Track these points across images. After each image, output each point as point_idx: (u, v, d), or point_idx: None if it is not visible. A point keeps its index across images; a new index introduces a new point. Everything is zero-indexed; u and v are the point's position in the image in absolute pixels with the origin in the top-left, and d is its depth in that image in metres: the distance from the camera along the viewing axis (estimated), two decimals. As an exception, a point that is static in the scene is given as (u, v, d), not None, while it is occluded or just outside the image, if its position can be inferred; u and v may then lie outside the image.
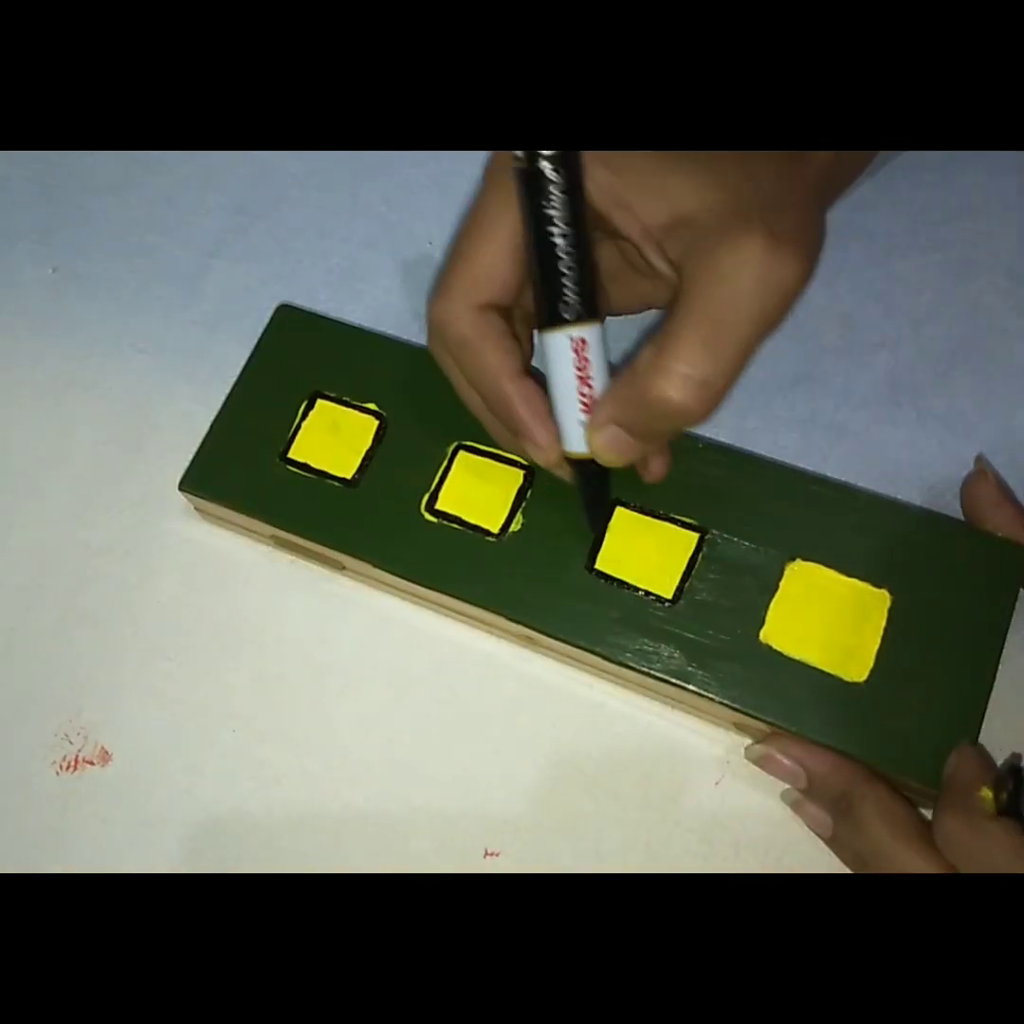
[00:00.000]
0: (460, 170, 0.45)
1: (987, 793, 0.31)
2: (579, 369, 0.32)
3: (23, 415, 0.42)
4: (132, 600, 0.39)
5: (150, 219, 0.45)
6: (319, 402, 0.39)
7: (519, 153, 0.30)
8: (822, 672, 0.34)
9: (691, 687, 0.34)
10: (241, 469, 0.38)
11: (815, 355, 0.41)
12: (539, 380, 0.33)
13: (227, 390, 0.39)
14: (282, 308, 0.41)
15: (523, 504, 0.37)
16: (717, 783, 0.36)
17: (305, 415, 0.39)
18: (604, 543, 0.36)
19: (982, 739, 0.33)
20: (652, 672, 0.35)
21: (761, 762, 0.35)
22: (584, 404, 0.32)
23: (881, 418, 0.40)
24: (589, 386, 0.32)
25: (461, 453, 0.38)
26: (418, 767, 0.37)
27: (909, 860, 0.31)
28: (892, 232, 0.42)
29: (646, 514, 0.36)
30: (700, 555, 0.36)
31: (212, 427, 0.39)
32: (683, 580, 0.35)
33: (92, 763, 0.37)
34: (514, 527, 0.37)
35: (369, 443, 0.38)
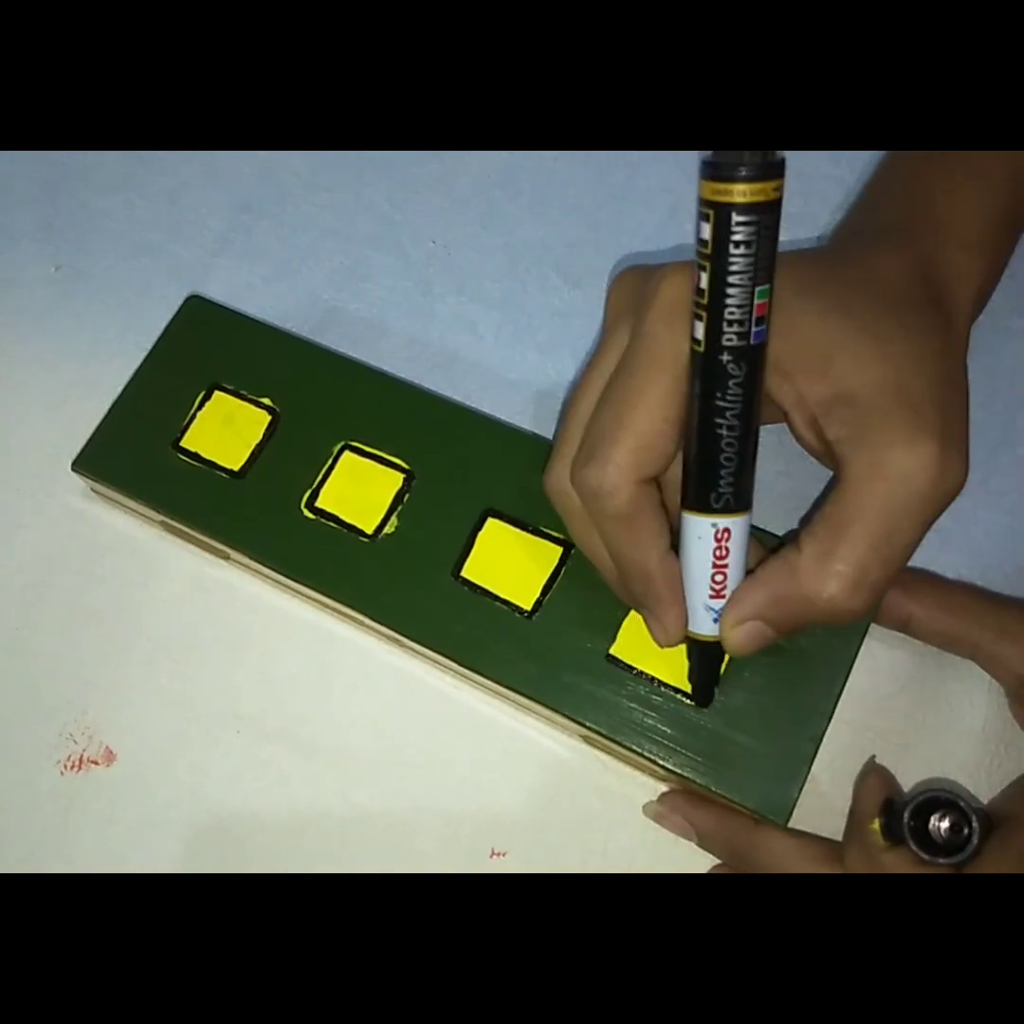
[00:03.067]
0: (464, 169, 0.45)
1: (876, 825, 0.31)
2: (717, 557, 0.31)
3: (27, 414, 0.42)
4: (137, 600, 0.39)
5: (153, 218, 0.45)
6: (216, 393, 0.39)
7: (698, 336, 0.29)
8: (667, 687, 0.34)
9: (544, 700, 0.34)
10: (133, 454, 0.39)
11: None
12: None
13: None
14: (192, 299, 0.41)
15: (399, 507, 0.37)
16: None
17: (201, 405, 0.39)
18: (472, 552, 0.36)
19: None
20: (507, 683, 0.35)
21: (657, 819, 0.35)
22: (714, 590, 0.31)
23: (886, 417, 0.40)
24: (724, 575, 0.31)
25: (346, 453, 0.38)
26: (424, 766, 0.37)
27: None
28: (896, 232, 0.42)
29: (516, 526, 0.36)
30: (563, 569, 0.36)
31: (110, 410, 0.39)
32: (543, 593, 0.35)
33: (97, 763, 0.37)
34: (388, 529, 0.37)
35: (260, 437, 0.38)
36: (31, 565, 0.40)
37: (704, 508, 0.30)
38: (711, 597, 0.31)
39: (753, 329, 0.28)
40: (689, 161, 0.43)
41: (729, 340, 0.28)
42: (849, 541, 0.29)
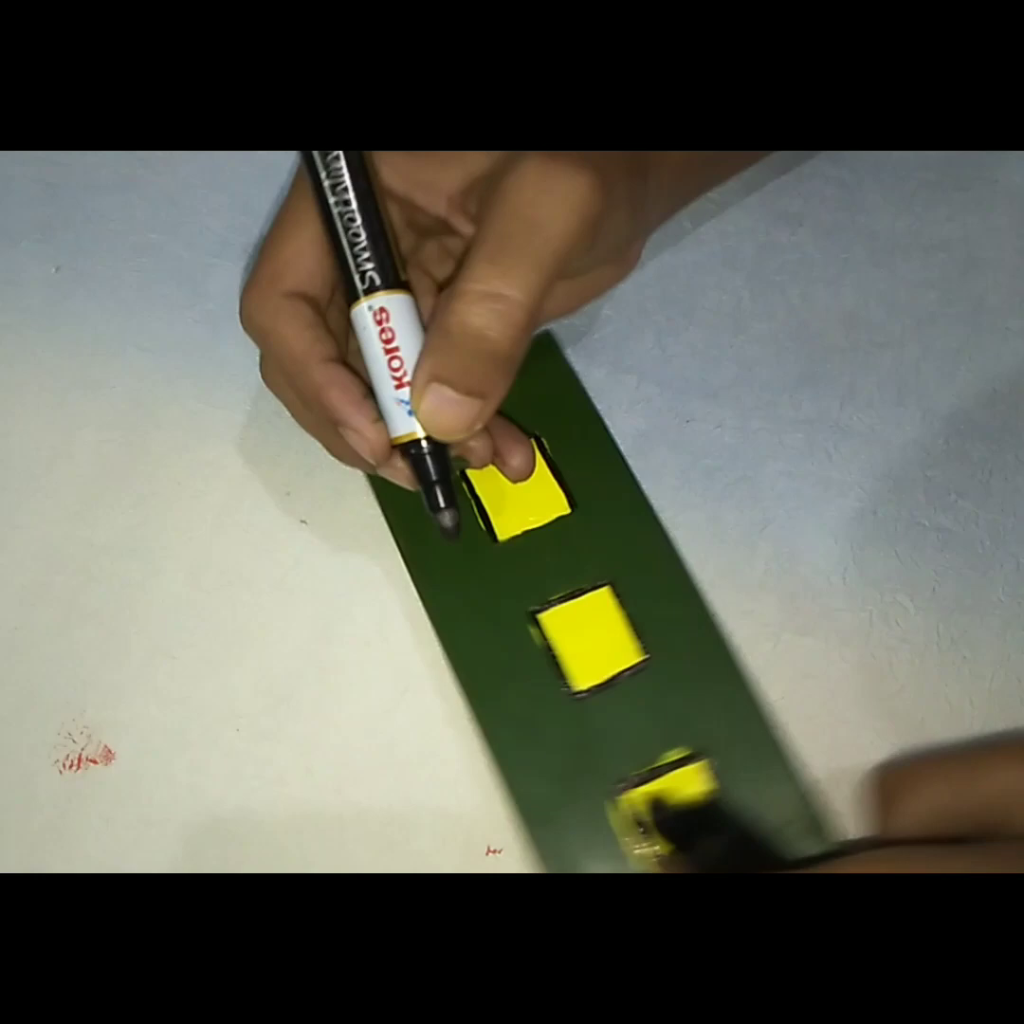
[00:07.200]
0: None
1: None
2: (386, 342, 0.31)
3: (26, 414, 0.42)
4: (135, 599, 0.39)
5: (153, 218, 0.45)
6: None
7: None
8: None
9: None
10: None
11: (820, 355, 0.41)
12: (358, 373, 0.32)
13: (230, 388, 0.39)
14: None
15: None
16: (722, 782, 0.36)
17: None
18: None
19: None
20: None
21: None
22: (396, 380, 0.31)
23: (886, 418, 0.40)
24: (399, 359, 0.31)
25: None
26: (421, 764, 0.37)
27: None
28: (895, 232, 0.42)
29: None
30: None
31: None
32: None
33: (95, 762, 0.37)
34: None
35: None
36: (31, 565, 0.40)
37: (355, 295, 0.31)
38: (397, 388, 0.31)
39: None
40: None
41: None
42: (468, 264, 0.30)
